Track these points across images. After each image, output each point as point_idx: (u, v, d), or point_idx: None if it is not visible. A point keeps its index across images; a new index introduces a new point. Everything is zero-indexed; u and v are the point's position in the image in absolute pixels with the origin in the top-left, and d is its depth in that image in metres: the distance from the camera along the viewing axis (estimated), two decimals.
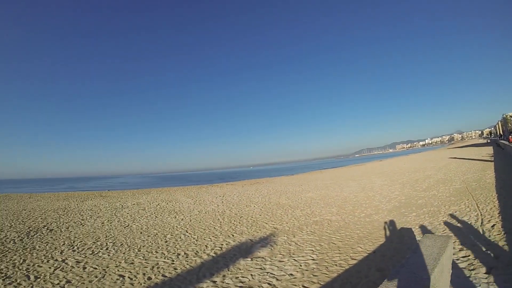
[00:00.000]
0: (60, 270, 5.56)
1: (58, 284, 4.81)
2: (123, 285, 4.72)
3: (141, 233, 8.76)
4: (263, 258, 5.71)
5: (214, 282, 4.72)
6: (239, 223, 9.27)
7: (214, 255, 6.17)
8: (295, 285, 4.37)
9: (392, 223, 7.35)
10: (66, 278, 5.07)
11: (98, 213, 13.36)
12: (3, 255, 6.69)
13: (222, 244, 6.91)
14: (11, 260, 6.30)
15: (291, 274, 4.76)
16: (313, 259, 5.36)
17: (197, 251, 6.50)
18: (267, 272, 4.93)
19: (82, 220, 11.64)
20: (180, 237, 7.93)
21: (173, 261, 5.95)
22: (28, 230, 9.80)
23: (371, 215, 8.59)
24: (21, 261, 6.20)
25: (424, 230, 6.31)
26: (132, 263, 5.93)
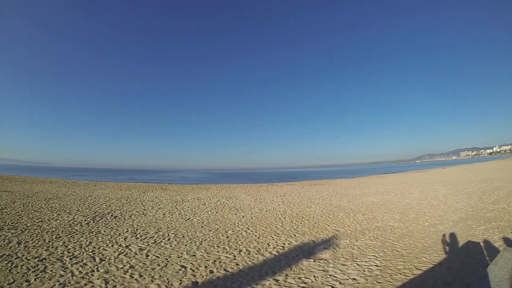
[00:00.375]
0: (124, 255, 8.63)
1: (122, 268, 7.61)
2: (185, 276, 7.15)
3: (202, 227, 12.72)
4: (326, 260, 8.12)
5: (277, 280, 6.86)
6: (301, 223, 13.32)
7: (276, 253, 8.90)
8: None
9: (458, 235, 9.89)
10: (129, 264, 7.93)
11: (159, 205, 19.14)
12: (71, 236, 10.58)
13: (284, 244, 9.95)
14: (78, 241, 9.98)
15: (354, 279, 6.73)
16: (377, 265, 7.54)
17: (259, 249, 9.43)
18: (330, 275, 7.04)
19: (144, 210, 16.91)
20: (241, 234, 11.48)
21: (235, 256, 8.68)
22: (94, 215, 14.68)
23: (435, 225, 11.79)
24: (88, 243, 9.78)
25: (493, 245, 8.51)
26: (194, 255, 8.78)
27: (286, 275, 7.21)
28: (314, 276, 7.06)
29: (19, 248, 8.99)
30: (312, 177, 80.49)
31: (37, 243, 9.59)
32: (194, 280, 6.96)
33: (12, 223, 12.26)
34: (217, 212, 16.75)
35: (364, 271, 7.25)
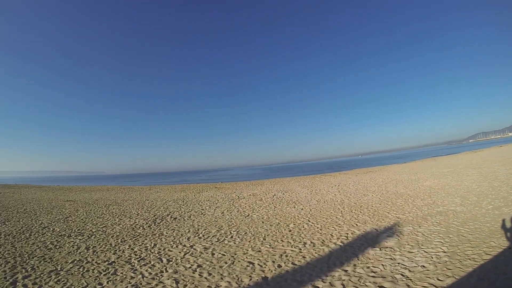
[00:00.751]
0: (190, 255, 8.79)
1: (190, 267, 7.75)
2: (253, 272, 7.20)
3: (262, 222, 12.98)
4: (391, 248, 8.23)
5: (346, 271, 6.93)
6: (360, 212, 13.62)
7: (341, 244, 9.07)
8: (429, 277, 6.18)
9: None
10: (196, 263, 8.06)
11: (216, 204, 19.50)
12: (135, 239, 10.96)
13: (347, 233, 10.16)
14: (143, 243, 10.33)
15: (423, 266, 6.77)
16: (444, 252, 7.53)
17: (323, 240, 9.61)
18: (398, 263, 7.09)
19: (202, 210, 17.28)
20: (303, 226, 11.69)
21: (300, 249, 8.83)
22: (154, 218, 15.17)
23: (500, 207, 11.60)
24: (152, 245, 10.09)
25: None
26: (259, 251, 8.89)
27: (354, 265, 7.25)
28: (382, 264, 7.08)
29: (88, 253, 9.41)
30: (363, 165, 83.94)
31: (104, 248, 9.99)
32: (264, 276, 6.97)
33: (78, 229, 12.89)
34: (275, 206, 16.91)
35: (432, 258, 7.22)
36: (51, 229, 13.14)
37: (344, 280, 6.42)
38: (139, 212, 17.48)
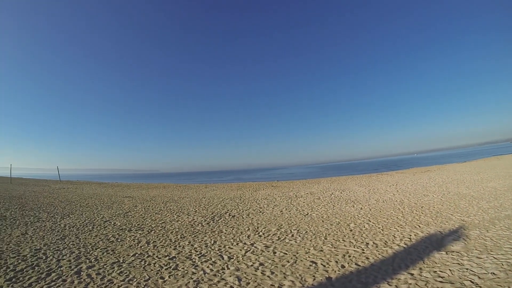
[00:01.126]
0: (251, 253, 8.70)
1: (252, 265, 7.65)
2: (317, 272, 6.98)
3: (322, 221, 12.76)
4: (458, 252, 7.77)
5: (411, 274, 6.63)
6: (422, 213, 13.06)
7: (404, 246, 8.69)
8: (500, 285, 5.79)
9: None
10: (258, 261, 7.95)
11: (274, 202, 19.43)
12: (195, 236, 11.08)
13: (410, 235, 9.73)
14: (202, 240, 10.39)
15: (493, 273, 6.32)
16: None
17: (385, 241, 9.26)
18: (466, 269, 6.67)
19: (260, 208, 17.24)
20: (364, 226, 11.35)
21: (363, 250, 8.53)
22: (212, 215, 15.30)
23: None
24: (212, 242, 10.11)
25: None
26: (321, 250, 8.65)
27: (420, 268, 6.94)
28: (450, 269, 6.70)
29: (149, 247, 9.59)
30: (420, 164, 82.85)
31: (164, 243, 10.14)
32: (328, 276, 6.75)
33: (138, 224, 13.28)
34: (334, 205, 16.71)
35: (502, 264, 6.75)
36: (112, 223, 13.68)
37: (410, 284, 6.13)
38: (196, 209, 17.74)
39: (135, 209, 18.02)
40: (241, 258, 8.30)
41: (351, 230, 10.79)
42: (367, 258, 7.76)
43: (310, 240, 9.78)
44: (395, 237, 9.64)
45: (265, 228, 11.95)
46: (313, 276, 6.78)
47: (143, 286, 6.47)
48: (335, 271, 6.99)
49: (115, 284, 6.58)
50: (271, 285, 6.42)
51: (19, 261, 8.21)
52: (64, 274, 7.26)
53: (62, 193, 30.30)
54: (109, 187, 40.08)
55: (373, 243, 9.11)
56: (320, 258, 7.94)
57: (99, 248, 9.55)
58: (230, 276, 6.93)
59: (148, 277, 6.98)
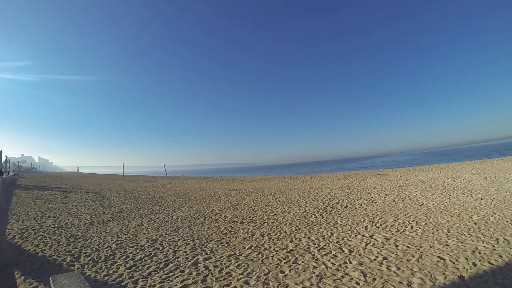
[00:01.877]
0: (372, 245, 8.12)
1: (375, 259, 7.09)
2: (446, 269, 6.25)
3: (441, 212, 11.92)
4: None
5: None
6: None
7: None
8: None
9: None
10: (381, 255, 7.37)
11: (384, 191, 18.60)
12: (310, 228, 10.77)
13: None
14: (318, 232, 10.05)
15: None
16: None
17: None
18: None
19: (371, 197, 16.57)
20: (489, 219, 10.19)
21: (493, 246, 7.54)
22: (324, 206, 14.95)
23: None
24: (329, 234, 9.70)
25: None
26: (446, 244, 7.81)
27: None
28: None
29: (264, 240, 9.51)
30: None
31: (279, 235, 9.99)
32: (459, 274, 5.99)
33: (249, 217, 13.42)
34: (449, 195, 15.48)
35: None
36: (223, 215, 14.04)
37: None
38: (306, 200, 17.52)
39: (243, 202, 18.40)
40: (362, 251, 7.79)
41: (475, 223, 9.75)
42: (500, 256, 6.82)
43: (432, 233, 8.97)
44: None
45: (381, 219, 11.30)
46: (443, 273, 6.10)
47: (263, 280, 6.29)
48: (467, 270, 6.22)
49: (234, 277, 6.52)
50: (399, 282, 5.84)
51: (138, 250, 8.74)
52: (181, 265, 7.47)
53: (170, 187, 32.52)
54: (214, 181, 41.96)
55: (504, 239, 8.00)
56: (447, 254, 7.17)
57: (213, 240, 9.73)
58: (354, 271, 6.46)
59: (267, 270, 6.80)
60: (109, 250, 8.80)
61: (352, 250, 8.00)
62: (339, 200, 16.43)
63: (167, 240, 9.90)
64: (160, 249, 8.89)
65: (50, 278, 4.19)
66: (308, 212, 13.59)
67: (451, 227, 9.51)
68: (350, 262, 7.06)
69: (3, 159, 78.04)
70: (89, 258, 8.15)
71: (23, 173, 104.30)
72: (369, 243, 8.50)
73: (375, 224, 10.53)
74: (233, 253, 8.32)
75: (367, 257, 7.35)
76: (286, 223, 11.69)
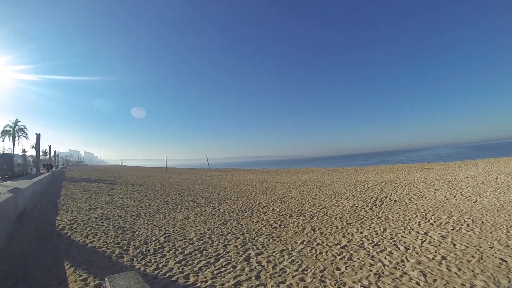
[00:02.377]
0: (428, 243, 7.76)
1: (433, 259, 6.74)
2: (510, 272, 5.85)
3: (497, 210, 11.23)
4: None
5: None
6: None
7: None
8: None
9: None
10: (439, 254, 7.02)
11: (433, 186, 17.90)
12: (361, 222, 10.52)
13: None
14: (371, 227, 9.75)
15: None
16: None
17: None
18: None
19: (420, 192, 16.00)
20: None
21: None
22: (372, 200, 14.64)
23: None
24: (382, 229, 9.40)
25: None
26: (507, 246, 7.34)
27: None
28: None
29: (315, 235, 9.31)
30: None
31: (331, 230, 9.78)
32: None
33: (297, 210, 13.25)
34: (504, 192, 14.62)
35: None
36: (271, 208, 13.93)
37: None
38: (353, 193, 17.21)
39: (289, 194, 18.25)
40: (418, 249, 7.46)
41: None
42: None
43: (491, 233, 8.47)
44: None
45: (434, 215, 10.84)
46: (507, 277, 5.71)
47: (319, 277, 6.09)
48: None
49: (288, 274, 6.34)
50: (462, 284, 5.52)
51: (186, 244, 8.74)
52: (233, 260, 7.36)
53: (214, 180, 32.85)
54: (258, 173, 42.02)
55: None
56: (509, 256, 6.69)
57: (263, 234, 9.61)
58: (413, 270, 6.17)
59: (322, 267, 6.61)
60: (158, 243, 8.87)
61: (408, 247, 7.69)
62: (387, 194, 16.01)
63: (215, 233, 9.88)
64: (210, 243, 8.85)
65: (106, 278, 4.11)
66: (357, 206, 13.32)
67: (510, 226, 8.93)
68: (408, 261, 6.77)
69: (52, 153, 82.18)
70: (138, 250, 8.24)
71: (71, 166, 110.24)
72: (425, 240, 8.14)
73: (429, 221, 10.11)
74: (285, 248, 8.16)
75: (424, 256, 7.02)
76: (336, 217, 11.48)
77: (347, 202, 14.38)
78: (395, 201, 14.03)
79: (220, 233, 9.87)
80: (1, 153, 48.28)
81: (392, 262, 6.71)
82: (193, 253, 7.91)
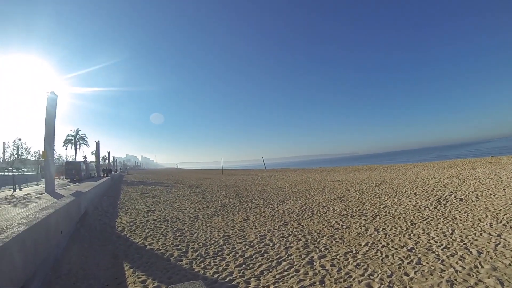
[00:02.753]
0: (502, 247, 7.16)
1: (509, 264, 6.18)
2: None
3: None
4: None
5: None
6: None
7: None
8: None
9: None
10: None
11: (501, 182, 16.48)
12: (427, 223, 9.98)
13: None
14: (437, 228, 9.23)
15: None
16: None
17: None
18: None
19: (488, 189, 14.81)
20: None
21: None
22: (436, 198, 13.90)
23: None
24: (450, 231, 8.83)
25: None
26: None
27: None
28: None
29: (379, 236, 8.98)
30: None
31: (395, 231, 9.39)
32: None
33: (358, 209, 12.91)
34: None
35: None
36: (331, 208, 13.65)
37: None
38: (415, 191, 16.52)
39: (349, 193, 17.86)
40: (493, 254, 6.87)
41: None
42: None
43: None
44: None
45: (506, 215, 9.97)
46: None
47: (387, 283, 5.83)
48: None
49: (354, 279, 6.13)
50: None
51: (247, 247, 8.73)
52: (295, 263, 7.23)
53: (271, 180, 32.81)
54: (314, 172, 41.59)
55: None
56: None
57: (325, 235, 9.39)
58: (489, 278, 5.69)
59: (390, 272, 6.32)
60: (217, 246, 8.95)
61: (480, 251, 7.12)
62: (452, 192, 15.10)
63: (276, 235, 9.80)
64: (271, 245, 8.79)
65: None
66: (420, 205, 12.70)
67: None
68: (482, 266, 6.26)
69: (111, 159, 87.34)
70: (197, 253, 8.37)
71: (129, 170, 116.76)
72: (499, 243, 7.50)
73: (501, 221, 9.31)
74: (349, 250, 7.93)
75: (500, 261, 6.46)
76: (400, 217, 11.04)
77: (409, 201, 13.76)
78: (461, 199, 13.18)
79: (281, 235, 9.79)
80: (71, 160, 52.20)
81: (464, 268, 6.25)
82: (253, 256, 7.91)
